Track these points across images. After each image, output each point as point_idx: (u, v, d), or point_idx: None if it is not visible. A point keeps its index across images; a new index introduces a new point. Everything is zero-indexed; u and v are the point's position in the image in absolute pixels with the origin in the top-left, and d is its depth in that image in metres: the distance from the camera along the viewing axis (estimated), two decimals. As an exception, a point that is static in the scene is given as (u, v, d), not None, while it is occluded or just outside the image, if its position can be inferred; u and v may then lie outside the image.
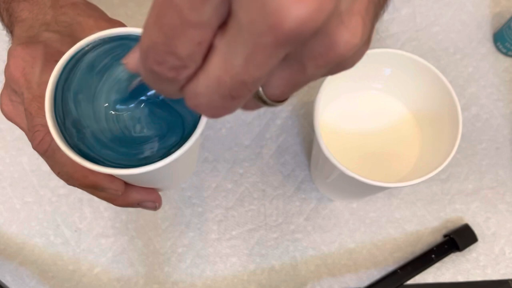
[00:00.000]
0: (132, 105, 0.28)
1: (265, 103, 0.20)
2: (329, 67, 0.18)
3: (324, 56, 0.17)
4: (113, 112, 0.28)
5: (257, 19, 0.15)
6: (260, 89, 0.19)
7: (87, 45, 0.28)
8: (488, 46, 0.56)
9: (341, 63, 0.18)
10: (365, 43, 0.19)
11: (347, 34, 0.17)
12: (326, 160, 0.38)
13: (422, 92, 0.44)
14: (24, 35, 0.32)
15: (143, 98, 0.28)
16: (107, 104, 0.28)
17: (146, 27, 0.17)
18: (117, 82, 0.28)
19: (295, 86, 0.19)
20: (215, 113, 0.19)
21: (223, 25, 0.16)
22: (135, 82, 0.27)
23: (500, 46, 0.56)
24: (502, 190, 0.52)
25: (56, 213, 0.50)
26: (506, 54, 0.56)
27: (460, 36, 0.57)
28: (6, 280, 0.48)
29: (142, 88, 0.27)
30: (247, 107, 0.21)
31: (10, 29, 0.35)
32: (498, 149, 0.53)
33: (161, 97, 0.28)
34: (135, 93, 0.28)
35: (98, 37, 0.28)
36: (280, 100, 0.20)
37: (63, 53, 0.27)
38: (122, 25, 0.32)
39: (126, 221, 0.50)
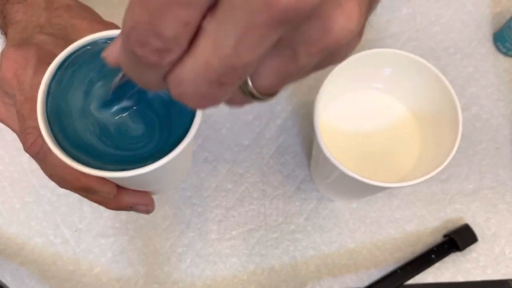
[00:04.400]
0: (116, 107, 0.27)
1: (253, 96, 0.19)
2: (321, 55, 0.17)
3: (318, 42, 0.17)
4: (104, 115, 0.28)
5: None
6: (249, 81, 0.18)
7: (81, 47, 0.28)
8: (488, 46, 0.56)
9: (334, 52, 0.18)
10: (359, 34, 0.19)
11: (343, 19, 0.16)
12: (326, 160, 0.38)
13: (422, 92, 0.43)
14: (18, 37, 0.32)
15: (134, 102, 0.28)
16: (99, 107, 0.28)
17: (130, 6, 0.16)
18: (110, 84, 0.28)
19: (285, 77, 0.18)
20: (200, 103, 0.18)
21: (212, 7, 0.15)
22: (116, 80, 0.25)
23: (500, 46, 0.56)
24: (502, 190, 0.52)
25: (56, 213, 0.50)
26: (506, 54, 0.56)
27: (460, 36, 0.57)
28: (6, 280, 0.48)
29: (125, 90, 0.27)
30: (233, 101, 0.19)
31: (4, 30, 0.35)
32: (498, 149, 0.53)
33: (151, 96, 0.28)
34: (118, 94, 0.27)
35: (92, 39, 0.28)
36: (268, 94, 0.19)
37: (56, 55, 0.27)
38: (116, 27, 0.32)
39: (126, 221, 0.50)
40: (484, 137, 0.53)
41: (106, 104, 0.27)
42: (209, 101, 0.18)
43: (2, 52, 0.31)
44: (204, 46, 0.16)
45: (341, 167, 0.38)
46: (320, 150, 0.39)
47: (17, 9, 0.33)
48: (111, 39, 0.28)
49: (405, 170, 0.44)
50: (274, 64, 0.17)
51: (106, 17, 0.34)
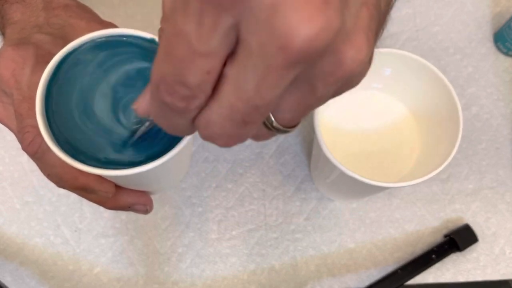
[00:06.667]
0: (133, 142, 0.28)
1: (277, 130, 0.20)
2: (337, 85, 0.18)
3: (333, 74, 0.18)
4: (106, 113, 0.28)
5: (267, 41, 0.15)
6: (272, 117, 0.20)
7: (79, 46, 0.28)
8: (488, 46, 0.56)
9: (348, 81, 0.19)
10: (369, 61, 0.20)
11: (353, 51, 0.18)
12: (326, 160, 0.38)
13: (422, 92, 0.44)
14: (16, 37, 0.32)
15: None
16: (99, 105, 0.28)
17: (156, 60, 0.17)
18: (109, 83, 0.28)
19: (306, 108, 0.19)
20: (228, 142, 0.19)
21: (231, 54, 0.16)
22: (143, 129, 0.27)
23: (501, 46, 0.56)
24: (502, 190, 0.52)
25: (56, 213, 0.50)
26: (506, 54, 0.56)
27: (460, 36, 0.57)
28: (6, 280, 0.48)
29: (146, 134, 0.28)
30: (259, 137, 0.21)
31: (2, 30, 0.35)
32: (498, 149, 0.53)
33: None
34: (140, 138, 0.28)
35: (90, 38, 0.28)
36: (291, 126, 0.20)
37: (54, 55, 0.27)
38: (114, 26, 0.32)
39: (126, 221, 0.50)
40: (484, 137, 0.54)
41: (128, 146, 0.28)
42: (235, 139, 0.19)
43: (0, 51, 0.31)
44: (227, 90, 0.17)
45: (341, 167, 0.38)
46: (320, 150, 0.39)
47: (15, 9, 0.33)
48: (109, 37, 0.28)
49: (405, 170, 0.44)
50: (294, 98, 0.19)
51: (107, 17, 0.34)
